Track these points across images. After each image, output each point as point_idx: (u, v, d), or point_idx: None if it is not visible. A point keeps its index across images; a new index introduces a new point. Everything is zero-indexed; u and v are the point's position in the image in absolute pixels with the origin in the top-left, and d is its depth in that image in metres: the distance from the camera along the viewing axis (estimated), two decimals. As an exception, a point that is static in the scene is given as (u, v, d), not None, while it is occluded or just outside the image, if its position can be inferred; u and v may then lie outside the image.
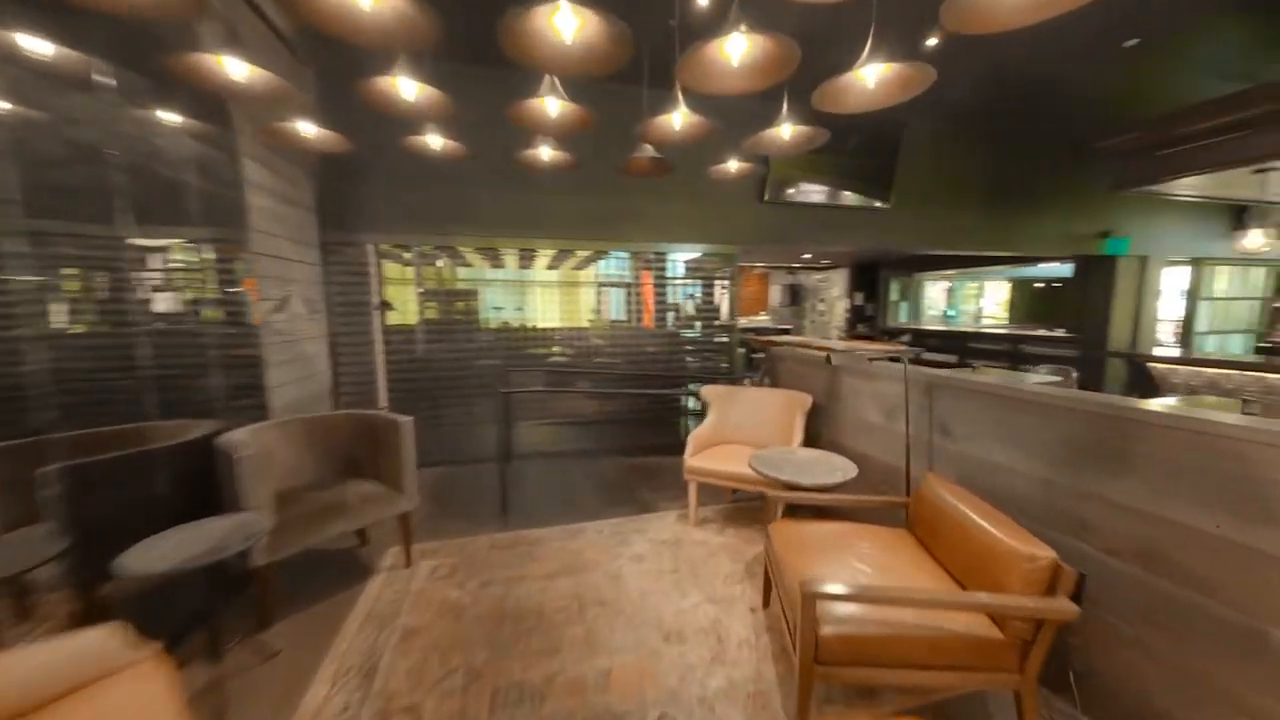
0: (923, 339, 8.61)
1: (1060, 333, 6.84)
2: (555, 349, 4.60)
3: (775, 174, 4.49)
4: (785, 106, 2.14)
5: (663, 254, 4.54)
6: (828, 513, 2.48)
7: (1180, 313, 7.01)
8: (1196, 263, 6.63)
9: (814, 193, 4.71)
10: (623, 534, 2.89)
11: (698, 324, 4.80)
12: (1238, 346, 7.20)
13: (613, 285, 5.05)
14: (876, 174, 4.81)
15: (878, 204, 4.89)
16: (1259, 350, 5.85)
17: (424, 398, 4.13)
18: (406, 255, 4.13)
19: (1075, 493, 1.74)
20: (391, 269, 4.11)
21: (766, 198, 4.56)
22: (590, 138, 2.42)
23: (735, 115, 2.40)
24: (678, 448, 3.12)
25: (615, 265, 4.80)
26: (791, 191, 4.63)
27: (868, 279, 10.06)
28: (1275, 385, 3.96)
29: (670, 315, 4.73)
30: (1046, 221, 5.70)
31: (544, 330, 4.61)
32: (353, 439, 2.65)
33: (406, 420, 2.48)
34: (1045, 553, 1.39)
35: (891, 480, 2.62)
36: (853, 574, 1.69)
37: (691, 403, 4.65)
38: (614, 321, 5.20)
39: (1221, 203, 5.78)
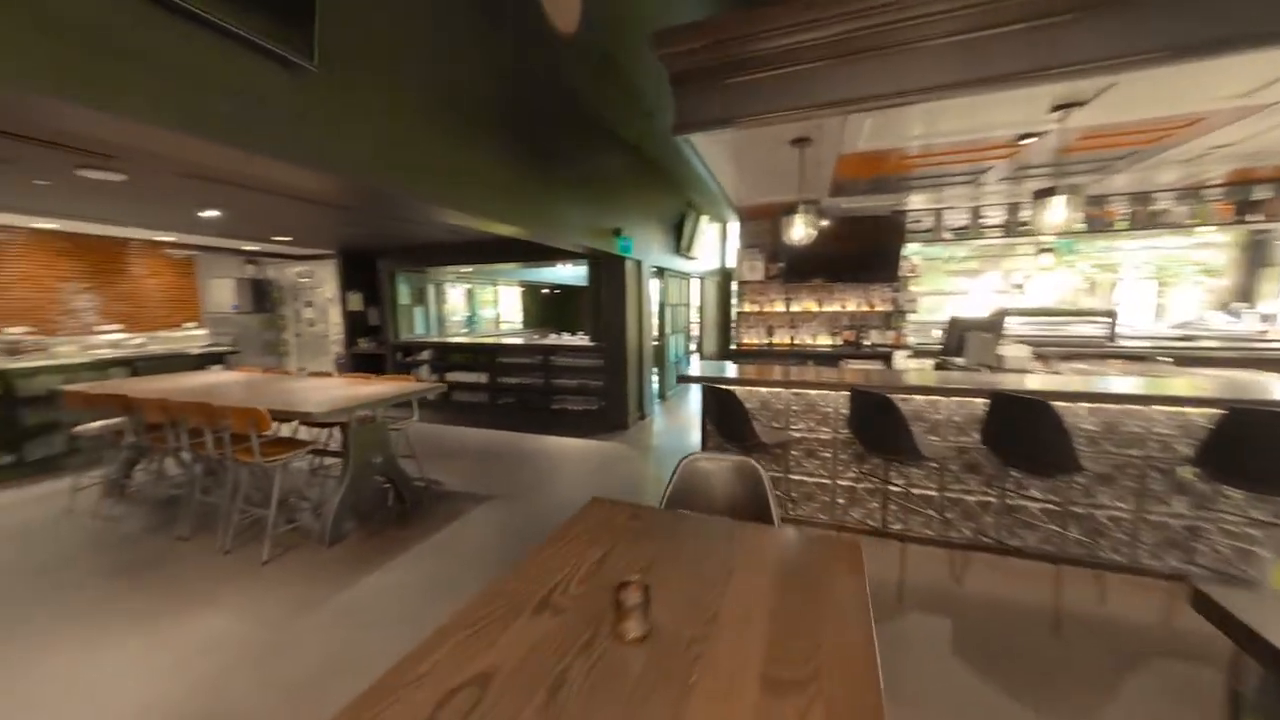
0: (446, 355, 6.49)
1: (584, 340, 6.17)
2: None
3: None
4: None
5: None
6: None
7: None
8: (661, 273, 7.35)
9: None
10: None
11: None
12: (681, 345, 8.76)
13: None
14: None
15: (292, 58, 2.02)
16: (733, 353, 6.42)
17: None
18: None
19: None
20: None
21: None
22: None
23: None
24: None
25: None
26: None
27: (365, 275, 7.03)
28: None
29: None
30: (572, 203, 4.47)
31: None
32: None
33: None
34: None
35: None
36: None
37: None
38: None
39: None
